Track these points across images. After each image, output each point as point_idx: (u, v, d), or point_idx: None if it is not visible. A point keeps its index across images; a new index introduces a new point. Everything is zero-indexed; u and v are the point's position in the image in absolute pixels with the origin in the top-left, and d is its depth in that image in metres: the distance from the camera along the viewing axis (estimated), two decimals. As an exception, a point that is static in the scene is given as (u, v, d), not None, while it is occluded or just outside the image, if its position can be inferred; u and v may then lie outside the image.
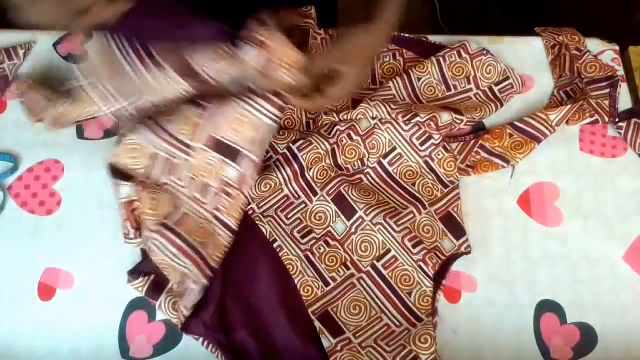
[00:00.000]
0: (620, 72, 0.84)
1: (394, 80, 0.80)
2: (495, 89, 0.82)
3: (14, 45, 0.83)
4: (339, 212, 0.73)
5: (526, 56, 0.85)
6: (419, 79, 0.81)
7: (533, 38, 0.87)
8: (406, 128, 0.76)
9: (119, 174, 0.70)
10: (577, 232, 0.74)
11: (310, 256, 0.71)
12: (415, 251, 0.70)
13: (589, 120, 0.80)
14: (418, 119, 0.76)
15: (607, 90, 0.82)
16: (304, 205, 0.74)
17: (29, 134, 0.78)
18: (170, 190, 0.71)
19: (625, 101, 0.83)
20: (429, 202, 0.74)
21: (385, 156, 0.76)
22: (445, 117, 0.76)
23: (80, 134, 0.79)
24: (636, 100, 0.83)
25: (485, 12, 1.84)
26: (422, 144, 0.76)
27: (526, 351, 0.68)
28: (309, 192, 0.74)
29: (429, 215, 0.73)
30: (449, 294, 0.71)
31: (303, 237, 0.72)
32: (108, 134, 0.79)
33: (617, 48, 0.87)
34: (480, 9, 1.84)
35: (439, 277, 0.70)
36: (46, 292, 0.70)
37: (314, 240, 0.72)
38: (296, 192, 0.74)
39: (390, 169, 0.76)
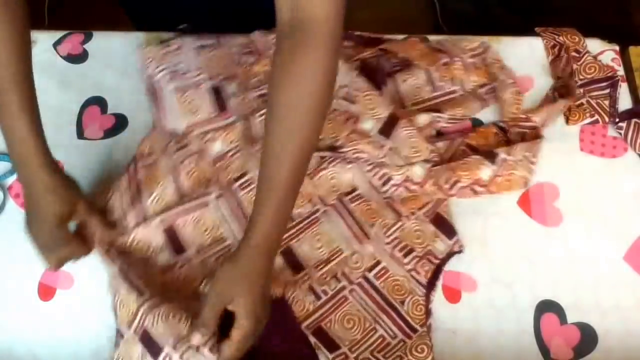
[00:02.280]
0: (620, 72, 0.84)
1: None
2: (481, 91, 0.82)
3: (14, 45, 0.83)
4: None
5: (526, 56, 0.85)
6: (404, 81, 0.80)
7: (533, 38, 0.87)
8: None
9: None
10: (577, 232, 0.74)
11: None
12: (406, 261, 0.70)
13: (589, 120, 0.80)
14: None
15: (607, 90, 0.82)
16: None
17: (29, 134, 0.78)
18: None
19: (625, 101, 0.82)
20: (418, 207, 0.74)
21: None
22: (422, 118, 0.76)
23: (80, 134, 0.79)
24: (636, 100, 0.83)
25: (485, 12, 1.83)
26: None
27: (526, 351, 0.68)
28: None
29: (419, 220, 0.73)
30: (449, 294, 0.71)
31: None
32: (108, 134, 0.79)
33: (617, 48, 0.87)
34: (481, 8, 1.84)
35: (432, 279, 0.70)
36: (46, 292, 0.70)
37: None
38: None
39: (377, 184, 0.74)
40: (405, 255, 0.70)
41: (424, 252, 0.71)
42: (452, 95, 0.81)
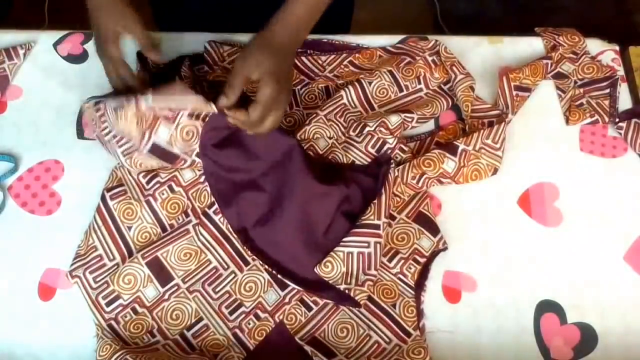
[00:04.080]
0: (620, 72, 0.84)
1: (346, 89, 0.79)
2: (445, 88, 0.82)
3: (14, 45, 0.83)
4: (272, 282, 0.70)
5: (526, 56, 0.85)
6: (370, 83, 0.80)
7: (533, 38, 0.87)
8: (359, 139, 0.76)
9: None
10: (577, 232, 0.74)
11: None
12: (391, 265, 0.70)
13: (589, 120, 0.80)
14: (368, 128, 0.76)
15: (607, 90, 0.82)
16: (233, 276, 0.70)
17: (29, 134, 0.79)
18: (198, 298, 0.69)
19: (625, 101, 0.83)
20: (397, 210, 0.74)
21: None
22: (394, 119, 0.76)
23: (80, 134, 0.79)
24: (636, 100, 0.83)
25: (485, 12, 1.84)
26: (378, 151, 0.75)
27: (526, 351, 0.68)
28: (239, 261, 0.71)
29: (400, 223, 0.73)
30: (449, 294, 0.71)
31: (231, 313, 0.68)
32: (108, 134, 0.79)
33: (617, 48, 0.87)
34: (481, 8, 1.84)
35: (420, 279, 0.70)
36: (46, 292, 0.70)
37: (243, 315, 0.68)
38: (225, 262, 0.71)
39: None
40: (390, 260, 0.70)
41: (409, 252, 0.71)
42: (418, 94, 0.82)
